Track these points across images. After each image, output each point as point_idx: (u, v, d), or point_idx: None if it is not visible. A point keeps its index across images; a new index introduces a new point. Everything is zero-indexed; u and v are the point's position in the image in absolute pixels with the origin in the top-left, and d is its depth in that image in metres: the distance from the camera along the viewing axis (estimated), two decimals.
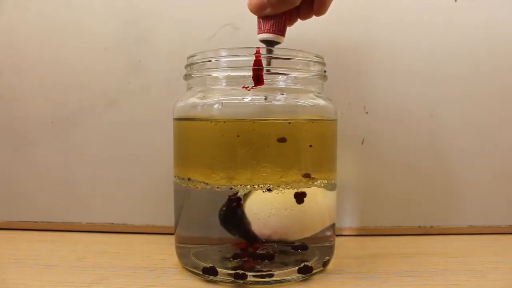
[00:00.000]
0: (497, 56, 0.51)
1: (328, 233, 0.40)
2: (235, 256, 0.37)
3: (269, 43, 0.38)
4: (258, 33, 0.38)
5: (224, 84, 0.38)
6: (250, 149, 0.36)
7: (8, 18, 0.52)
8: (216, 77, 0.38)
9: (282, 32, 0.38)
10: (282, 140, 0.36)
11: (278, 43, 0.38)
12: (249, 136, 0.36)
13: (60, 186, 0.52)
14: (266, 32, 0.38)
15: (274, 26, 0.37)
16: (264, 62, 0.37)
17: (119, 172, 0.52)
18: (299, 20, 0.41)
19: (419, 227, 0.52)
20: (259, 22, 0.38)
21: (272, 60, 0.37)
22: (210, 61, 0.38)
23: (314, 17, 0.40)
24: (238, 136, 0.36)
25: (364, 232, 0.52)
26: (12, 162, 0.53)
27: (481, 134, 0.51)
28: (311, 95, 0.39)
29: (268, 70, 0.37)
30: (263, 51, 0.37)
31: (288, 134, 0.36)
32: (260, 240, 0.37)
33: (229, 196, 0.36)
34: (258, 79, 0.36)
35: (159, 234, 0.51)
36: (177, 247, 0.41)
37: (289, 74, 0.37)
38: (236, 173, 0.36)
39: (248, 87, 0.36)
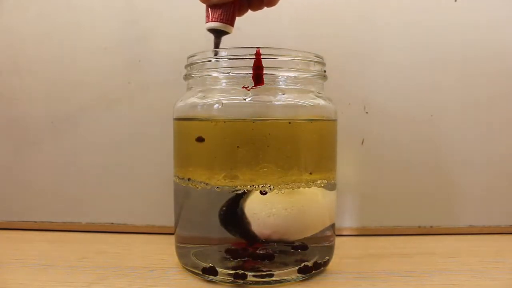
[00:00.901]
0: (497, 56, 0.51)
1: (328, 233, 0.40)
2: (228, 252, 0.37)
3: (217, 33, 0.37)
4: (206, 22, 0.37)
5: (224, 84, 0.38)
6: (250, 149, 0.36)
7: (8, 18, 0.52)
8: (216, 77, 0.38)
9: (231, 22, 0.37)
10: (199, 139, 0.36)
11: (226, 33, 0.37)
12: (249, 136, 0.36)
13: (60, 186, 0.52)
14: (214, 21, 0.37)
15: (222, 15, 0.36)
16: (213, 58, 0.36)
17: (119, 172, 0.52)
18: (297, 20, 0.41)
19: (419, 227, 0.52)
20: (207, 11, 0.37)
21: (272, 59, 0.37)
22: (210, 61, 0.38)
23: (301, 10, 0.39)
24: (238, 147, 0.36)
25: (364, 232, 0.52)
26: (12, 162, 0.53)
27: (481, 134, 0.51)
28: (311, 95, 0.39)
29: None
30: (210, 45, 0.36)
31: (288, 134, 0.36)
32: (260, 240, 0.37)
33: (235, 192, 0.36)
34: (258, 79, 0.36)
35: (159, 234, 0.51)
36: (177, 247, 0.41)
37: (289, 74, 0.37)
38: (236, 173, 0.36)
39: (248, 87, 0.36)
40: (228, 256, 0.37)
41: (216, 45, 0.38)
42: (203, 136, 0.35)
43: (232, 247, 0.38)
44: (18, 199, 0.53)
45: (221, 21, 0.37)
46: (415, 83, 0.51)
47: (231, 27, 0.37)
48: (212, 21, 0.37)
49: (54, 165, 0.52)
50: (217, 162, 0.36)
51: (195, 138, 0.36)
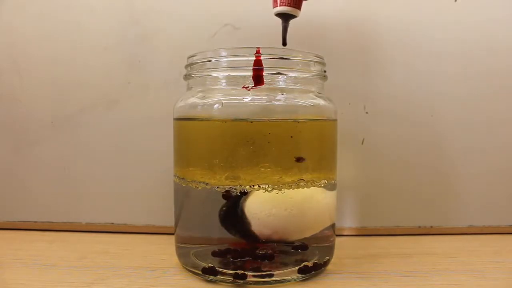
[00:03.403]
0: (497, 56, 0.51)
1: (328, 233, 0.40)
2: (221, 253, 0.38)
3: (286, 17, 0.38)
4: (274, 7, 0.38)
5: (224, 84, 0.38)
6: (250, 150, 0.36)
7: (8, 18, 0.52)
8: (216, 77, 0.38)
9: (298, 5, 0.38)
10: (299, 159, 0.36)
11: (294, 16, 0.38)
12: (249, 136, 0.36)
13: (60, 186, 0.52)
14: (283, 6, 0.37)
15: (291, 0, 0.37)
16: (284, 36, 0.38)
17: (119, 172, 0.52)
18: (297, 20, 0.40)
19: (419, 227, 0.52)
20: None
21: (271, 59, 0.37)
22: (210, 61, 0.38)
23: (314, 16, 0.39)
24: (238, 147, 0.36)
25: (364, 232, 0.52)
26: (12, 162, 0.53)
27: (481, 134, 0.51)
28: (311, 95, 0.39)
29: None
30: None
31: (288, 134, 0.36)
32: (260, 240, 0.37)
33: (228, 193, 0.36)
34: (258, 79, 0.36)
35: (159, 234, 0.51)
36: (177, 247, 0.41)
37: (289, 74, 0.37)
38: (236, 173, 0.36)
39: (248, 87, 0.36)
40: (228, 256, 0.38)
41: (285, 29, 0.38)
42: (303, 157, 0.36)
43: (216, 250, 0.38)
44: (18, 199, 0.53)
45: (289, 5, 0.37)
46: (415, 83, 0.51)
47: (298, 10, 0.38)
48: (280, 6, 0.37)
49: (54, 165, 0.52)
50: (217, 162, 0.36)
51: (295, 158, 0.36)
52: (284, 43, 0.39)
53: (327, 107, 0.39)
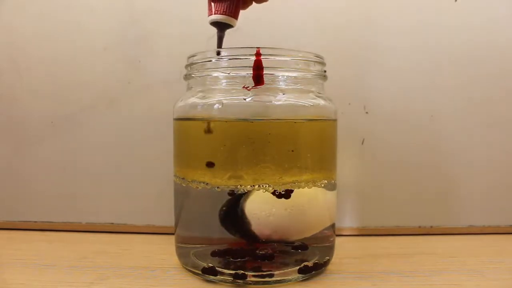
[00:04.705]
0: (497, 56, 0.51)
1: (328, 233, 0.40)
2: (221, 253, 0.38)
3: (221, 26, 0.36)
4: (208, 15, 0.36)
5: (224, 84, 0.38)
6: (250, 149, 0.36)
7: (9, 18, 0.52)
8: (216, 77, 0.38)
9: (234, 15, 0.36)
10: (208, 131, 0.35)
11: (230, 26, 0.36)
12: (249, 136, 0.36)
13: (60, 186, 0.52)
14: (217, 14, 0.36)
15: (226, 8, 0.36)
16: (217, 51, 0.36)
17: (119, 172, 0.52)
18: (297, 21, 0.40)
19: (419, 227, 0.52)
20: (209, 4, 0.36)
21: (272, 59, 0.37)
22: (210, 61, 0.38)
23: (301, 11, 0.38)
24: (237, 147, 0.36)
25: (364, 232, 0.52)
26: (12, 162, 0.53)
27: (481, 134, 0.51)
28: (311, 95, 0.39)
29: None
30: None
31: (288, 134, 0.37)
32: (260, 240, 0.37)
33: (229, 193, 0.36)
34: (258, 79, 0.36)
35: (159, 234, 0.51)
36: (177, 247, 0.41)
37: (289, 74, 0.37)
38: (236, 173, 0.36)
39: (248, 87, 0.36)
40: (228, 256, 0.38)
41: (220, 38, 0.37)
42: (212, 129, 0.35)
43: (216, 250, 0.38)
44: (18, 199, 0.53)
45: (224, 13, 0.36)
46: (415, 83, 0.51)
47: (234, 20, 0.36)
48: (215, 14, 0.36)
49: (54, 165, 0.52)
50: (217, 162, 0.36)
51: (205, 127, 0.35)
52: (218, 54, 0.37)
53: (327, 107, 0.39)
